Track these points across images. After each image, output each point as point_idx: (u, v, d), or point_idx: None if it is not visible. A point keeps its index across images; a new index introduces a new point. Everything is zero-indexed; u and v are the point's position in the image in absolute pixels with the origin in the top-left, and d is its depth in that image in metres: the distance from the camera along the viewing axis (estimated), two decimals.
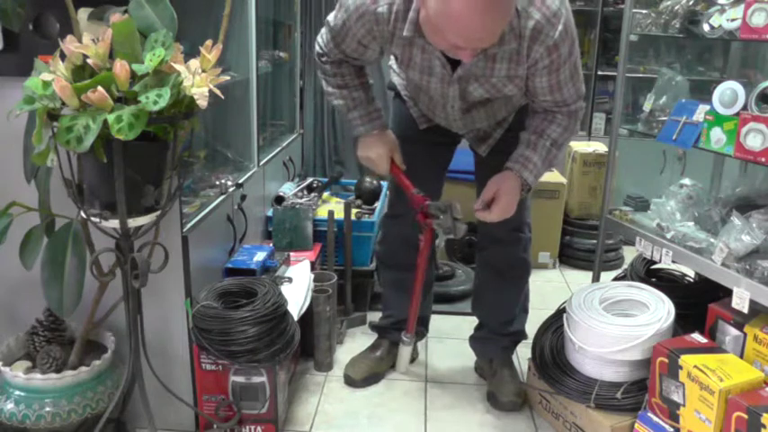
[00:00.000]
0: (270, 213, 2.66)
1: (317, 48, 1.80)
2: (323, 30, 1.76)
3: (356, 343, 2.43)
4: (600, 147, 3.46)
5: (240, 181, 2.26)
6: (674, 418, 1.71)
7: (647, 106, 2.22)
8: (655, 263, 2.18)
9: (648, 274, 2.29)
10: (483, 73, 1.63)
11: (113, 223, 1.43)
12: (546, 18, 1.51)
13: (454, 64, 1.63)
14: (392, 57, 1.82)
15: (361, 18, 1.60)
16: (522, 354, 2.28)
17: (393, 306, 2.27)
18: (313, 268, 2.40)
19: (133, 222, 1.45)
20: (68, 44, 1.33)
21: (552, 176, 3.27)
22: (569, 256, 3.45)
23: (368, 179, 2.89)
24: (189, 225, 1.81)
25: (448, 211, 1.75)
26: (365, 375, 2.20)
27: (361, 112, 1.85)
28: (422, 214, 1.83)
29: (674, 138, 1.98)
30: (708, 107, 1.85)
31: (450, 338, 2.51)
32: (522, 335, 2.21)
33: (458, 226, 1.74)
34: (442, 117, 1.89)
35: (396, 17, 1.56)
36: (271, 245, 2.41)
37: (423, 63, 1.66)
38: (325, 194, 2.97)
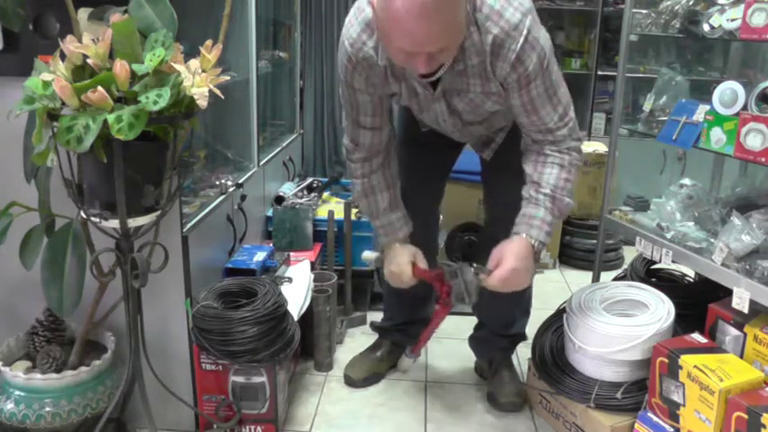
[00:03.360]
0: (270, 213, 2.66)
1: (345, 150, 1.84)
2: (345, 130, 1.81)
3: (356, 343, 2.43)
4: (600, 147, 3.45)
5: (240, 181, 2.26)
6: (674, 418, 1.71)
7: (647, 106, 2.22)
8: (655, 263, 2.18)
9: (648, 274, 2.29)
10: (461, 88, 1.63)
11: (113, 223, 1.43)
12: (505, 32, 1.49)
13: (434, 86, 1.64)
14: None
15: (355, 69, 1.63)
16: (522, 354, 2.28)
17: (394, 309, 2.27)
18: (313, 268, 2.40)
19: (133, 222, 1.45)
20: (68, 44, 1.34)
21: None
22: (569, 256, 3.45)
23: None
24: (189, 225, 1.81)
25: (459, 275, 1.69)
26: (365, 375, 2.20)
27: (383, 221, 1.85)
28: (441, 286, 1.78)
29: (674, 138, 1.98)
30: (708, 107, 1.85)
31: (451, 338, 2.51)
32: (521, 337, 2.21)
33: (470, 291, 1.67)
34: (439, 129, 1.89)
35: (377, 54, 1.58)
36: (271, 245, 2.41)
37: (408, 90, 1.68)
38: (325, 194, 2.97)
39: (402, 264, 1.80)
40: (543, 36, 1.54)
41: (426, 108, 1.75)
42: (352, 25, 1.59)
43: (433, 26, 1.34)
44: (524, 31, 1.49)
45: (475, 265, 1.68)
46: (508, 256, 1.62)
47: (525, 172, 1.70)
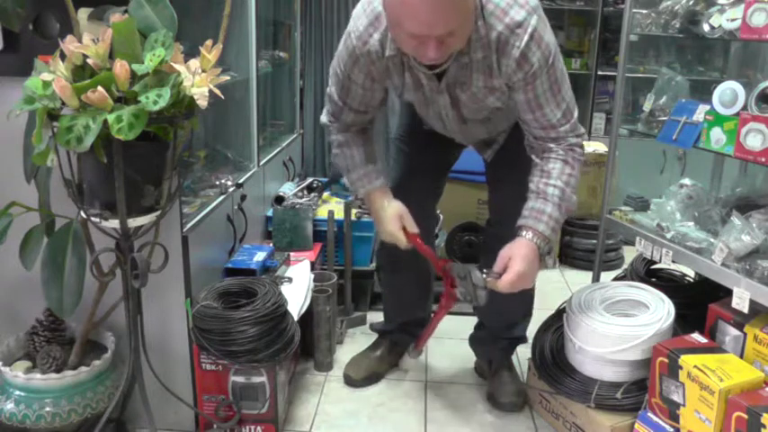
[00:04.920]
0: (270, 213, 2.66)
1: (325, 120, 1.83)
2: (327, 104, 1.81)
3: (356, 343, 2.43)
4: (600, 147, 3.45)
5: (240, 181, 2.26)
6: (674, 418, 1.71)
7: (647, 106, 2.22)
8: (655, 263, 2.18)
9: (648, 274, 2.29)
10: (465, 81, 1.63)
11: (113, 223, 1.43)
12: (509, 29, 1.50)
13: (440, 78, 1.64)
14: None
15: (356, 63, 1.64)
16: (522, 354, 2.28)
17: (394, 310, 2.27)
18: (313, 268, 2.40)
19: (133, 222, 1.45)
20: (68, 44, 1.34)
21: None
22: (569, 256, 3.45)
23: None
24: (189, 225, 1.80)
25: (467, 278, 1.69)
26: (365, 375, 2.20)
27: (360, 173, 1.82)
28: (447, 279, 1.77)
29: (674, 138, 1.98)
30: (708, 107, 1.85)
31: (450, 338, 2.51)
32: (522, 339, 2.19)
33: (478, 294, 1.66)
34: (441, 128, 1.89)
35: (384, 47, 1.59)
36: (271, 245, 2.41)
37: (414, 82, 1.68)
38: (325, 194, 2.97)
39: (391, 224, 1.76)
40: (549, 34, 1.55)
41: (431, 101, 1.74)
42: (359, 18, 1.60)
43: (441, 8, 1.35)
44: (529, 29, 1.50)
45: (484, 270, 1.67)
46: (516, 260, 1.60)
47: (532, 166, 1.70)
